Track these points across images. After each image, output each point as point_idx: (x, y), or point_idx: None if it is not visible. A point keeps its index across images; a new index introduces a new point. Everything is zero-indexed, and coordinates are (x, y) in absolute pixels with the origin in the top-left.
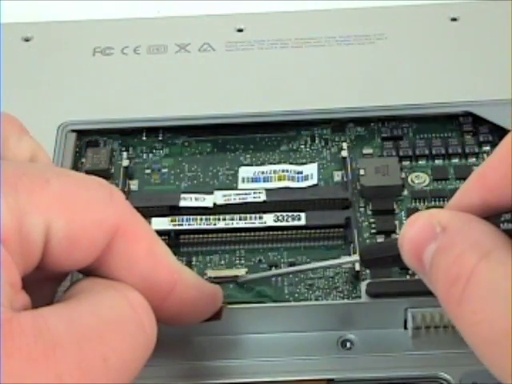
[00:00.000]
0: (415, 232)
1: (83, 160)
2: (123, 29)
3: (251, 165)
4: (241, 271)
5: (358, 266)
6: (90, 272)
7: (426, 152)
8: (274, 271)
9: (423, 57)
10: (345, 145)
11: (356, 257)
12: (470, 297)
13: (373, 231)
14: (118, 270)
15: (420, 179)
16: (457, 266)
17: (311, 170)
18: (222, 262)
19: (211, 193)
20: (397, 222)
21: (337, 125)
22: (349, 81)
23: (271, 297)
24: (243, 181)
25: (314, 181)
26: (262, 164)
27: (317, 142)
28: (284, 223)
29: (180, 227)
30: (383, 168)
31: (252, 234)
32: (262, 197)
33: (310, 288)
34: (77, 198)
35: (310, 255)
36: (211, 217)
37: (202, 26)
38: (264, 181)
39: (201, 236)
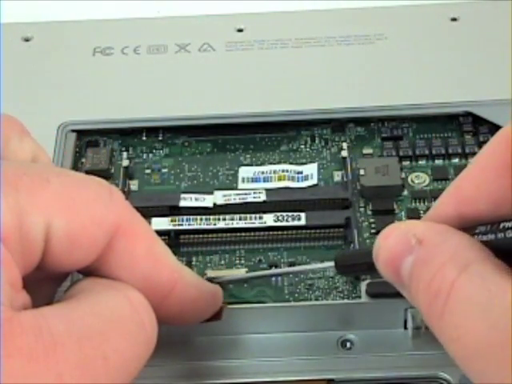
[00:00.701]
0: (391, 244)
1: (83, 160)
2: (123, 29)
3: (251, 165)
4: (241, 271)
5: (331, 273)
6: (90, 272)
7: (426, 152)
8: (248, 274)
9: (423, 57)
10: (345, 145)
11: (331, 263)
12: (451, 311)
13: (373, 231)
14: (118, 270)
15: (420, 179)
16: (437, 279)
17: (311, 170)
18: (222, 262)
19: (211, 193)
20: (396, 222)
21: (337, 125)
22: (349, 81)
23: (271, 297)
24: (243, 181)
25: (314, 181)
26: (262, 164)
27: (317, 141)
28: (284, 223)
29: (180, 227)
30: (383, 168)
31: (252, 234)
32: (262, 197)
33: (310, 288)
34: (77, 198)
35: (310, 255)
36: (211, 217)
37: (202, 26)
38: (264, 181)
39: (201, 236)
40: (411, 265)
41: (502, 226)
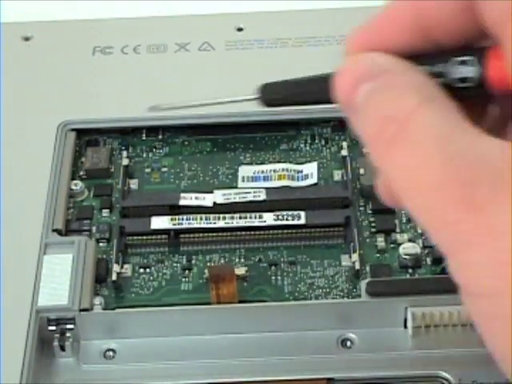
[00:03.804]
0: (354, 65)
1: (83, 159)
2: (123, 28)
3: (251, 164)
4: (241, 270)
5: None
6: None
7: None
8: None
9: None
10: (345, 144)
11: (252, 96)
12: (403, 139)
13: (373, 230)
14: None
15: None
16: (395, 105)
17: (311, 169)
18: (222, 260)
19: (211, 192)
20: (397, 221)
21: (337, 124)
22: None
23: (271, 296)
24: (243, 180)
25: (314, 180)
26: (262, 163)
27: (317, 141)
28: (284, 222)
29: (180, 226)
30: None
31: (252, 232)
32: (262, 196)
33: (310, 287)
34: None
35: (309, 254)
36: (211, 216)
37: (202, 26)
38: (264, 180)
39: (201, 235)
40: (370, 88)
41: (456, 60)
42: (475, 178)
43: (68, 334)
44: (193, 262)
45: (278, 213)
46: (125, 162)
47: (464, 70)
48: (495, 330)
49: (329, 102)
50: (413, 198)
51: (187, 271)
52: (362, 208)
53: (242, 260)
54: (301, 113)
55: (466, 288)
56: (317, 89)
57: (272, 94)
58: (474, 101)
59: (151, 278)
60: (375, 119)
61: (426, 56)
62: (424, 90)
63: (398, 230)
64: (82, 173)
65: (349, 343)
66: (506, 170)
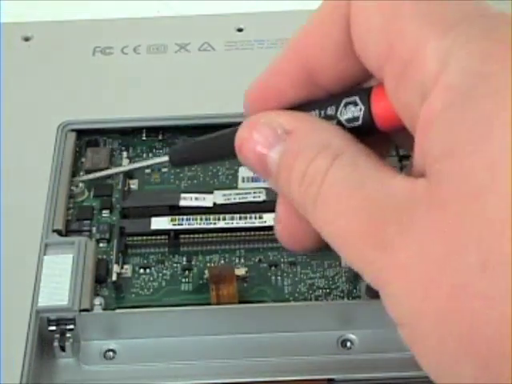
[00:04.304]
0: (256, 135)
1: (83, 159)
2: (123, 28)
3: None
4: (241, 270)
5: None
6: None
7: None
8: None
9: None
10: None
11: (166, 158)
12: (324, 197)
13: None
14: None
15: None
16: (311, 169)
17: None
18: (222, 261)
19: (211, 192)
20: None
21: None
22: None
23: (271, 296)
24: (243, 180)
25: None
26: None
27: None
28: None
29: (180, 227)
30: None
31: (252, 233)
32: (262, 196)
33: (311, 288)
34: None
35: (309, 255)
36: (211, 216)
37: (202, 26)
38: (264, 180)
39: (201, 236)
40: (280, 155)
41: (344, 101)
42: (384, 220)
43: (68, 335)
44: (193, 262)
45: None
46: (125, 162)
47: (350, 110)
48: (420, 352)
49: (235, 156)
50: (337, 245)
51: (187, 272)
52: None
53: (242, 260)
54: None
55: (395, 319)
56: (220, 147)
57: (180, 155)
58: (379, 138)
59: (151, 278)
60: (294, 184)
61: (318, 101)
62: (332, 146)
63: None
64: (82, 173)
65: (349, 344)
66: (411, 207)
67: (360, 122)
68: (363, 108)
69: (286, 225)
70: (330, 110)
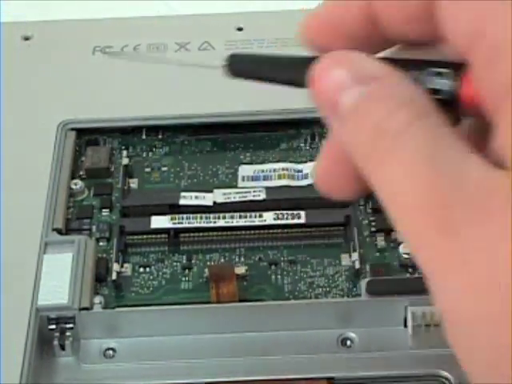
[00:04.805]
0: (340, 72)
1: (83, 158)
2: (123, 27)
3: (251, 163)
4: (241, 269)
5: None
6: None
7: None
8: None
9: None
10: None
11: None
12: (395, 155)
13: (373, 229)
14: None
15: None
16: (388, 118)
17: (311, 168)
18: (222, 260)
19: (211, 191)
20: None
21: None
22: None
23: (271, 295)
24: (243, 179)
25: None
26: (262, 162)
27: (317, 140)
28: (284, 221)
29: (180, 225)
30: None
31: (252, 232)
32: (262, 195)
33: (310, 286)
34: None
35: (309, 253)
36: (211, 215)
37: (202, 25)
38: (264, 179)
39: (201, 234)
40: (358, 97)
41: (429, 70)
42: (454, 203)
43: (68, 333)
44: (193, 261)
45: (277, 212)
46: (125, 161)
47: (439, 81)
48: (472, 356)
49: (301, 86)
50: (395, 212)
51: (187, 270)
52: (361, 207)
53: (242, 259)
54: (301, 112)
55: (443, 313)
56: (287, 70)
57: (241, 64)
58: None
59: (151, 277)
60: (367, 131)
61: (400, 61)
62: (417, 104)
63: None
64: (81, 172)
65: (349, 342)
66: (487, 198)
67: (446, 96)
68: (453, 83)
69: (329, 171)
70: (412, 74)
